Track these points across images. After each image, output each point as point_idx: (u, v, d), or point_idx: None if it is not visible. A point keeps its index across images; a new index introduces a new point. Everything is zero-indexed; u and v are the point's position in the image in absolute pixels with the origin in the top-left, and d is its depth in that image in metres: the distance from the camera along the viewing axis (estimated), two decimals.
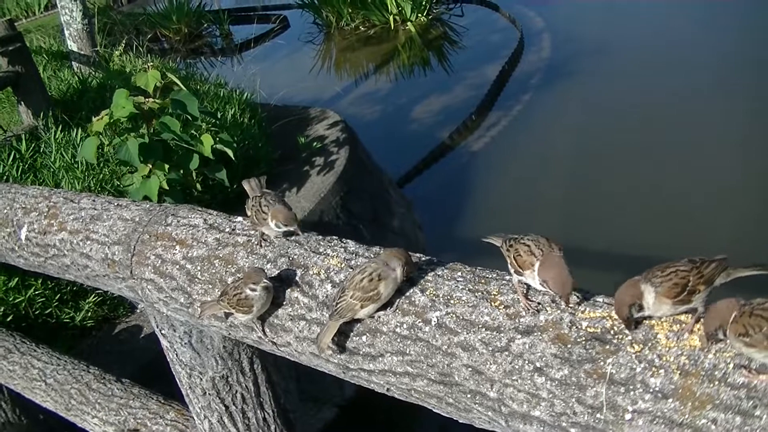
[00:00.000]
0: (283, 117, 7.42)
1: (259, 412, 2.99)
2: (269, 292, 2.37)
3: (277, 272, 2.47)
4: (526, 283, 2.13)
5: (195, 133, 5.62)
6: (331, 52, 11.85)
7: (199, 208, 2.90)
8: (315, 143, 6.89)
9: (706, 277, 1.90)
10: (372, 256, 2.43)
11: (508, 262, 2.14)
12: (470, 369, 2.05)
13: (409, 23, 11.85)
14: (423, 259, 2.40)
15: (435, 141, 8.83)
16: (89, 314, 5.73)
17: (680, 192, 6.84)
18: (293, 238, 2.59)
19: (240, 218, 2.79)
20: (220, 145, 5.67)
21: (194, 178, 5.77)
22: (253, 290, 2.34)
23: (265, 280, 2.34)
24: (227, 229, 2.72)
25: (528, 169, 7.96)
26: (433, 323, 2.15)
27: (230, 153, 5.63)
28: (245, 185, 2.77)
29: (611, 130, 8.15)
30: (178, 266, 2.71)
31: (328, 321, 2.21)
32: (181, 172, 5.62)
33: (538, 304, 2.08)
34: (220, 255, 2.63)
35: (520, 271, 2.09)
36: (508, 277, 2.21)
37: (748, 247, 5.81)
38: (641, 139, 7.81)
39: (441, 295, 2.19)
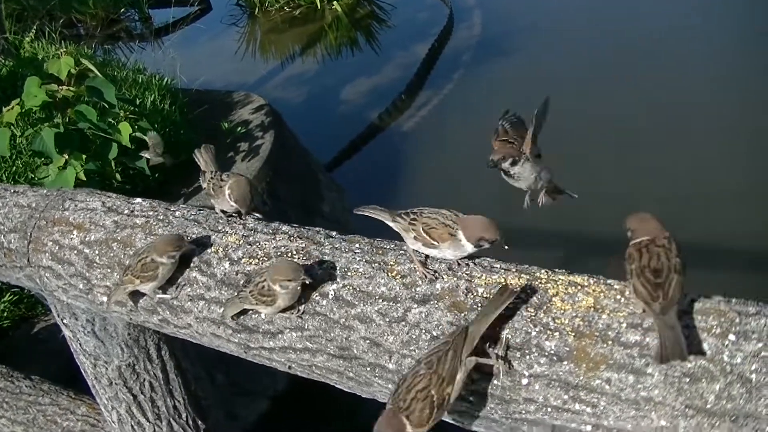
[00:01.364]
0: (205, 102, 7.32)
1: (168, 399, 2.97)
2: (176, 262, 2.37)
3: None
4: (422, 253, 2.16)
5: (113, 121, 5.53)
6: (256, 35, 11.74)
7: (98, 191, 2.86)
8: (239, 128, 6.83)
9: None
10: (271, 232, 2.43)
11: (412, 235, 2.14)
12: (368, 341, 2.07)
13: (335, 2, 11.79)
14: (321, 232, 2.41)
15: (364, 123, 8.83)
16: (5, 314, 5.60)
17: (618, 175, 6.95)
18: (192, 217, 2.57)
19: (139, 200, 2.76)
20: (139, 133, 5.59)
21: (113, 168, 5.67)
22: (171, 257, 2.33)
23: (175, 251, 2.34)
24: (126, 211, 2.68)
25: (461, 148, 7.98)
26: (330, 296, 2.16)
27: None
28: (197, 156, 2.73)
29: (558, 114, 8.25)
30: (76, 251, 2.67)
31: (235, 299, 2.21)
32: (100, 162, 5.52)
33: (435, 272, 2.11)
34: (118, 238, 2.60)
35: (435, 243, 2.09)
36: (405, 247, 2.24)
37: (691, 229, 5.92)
38: (574, 118, 7.90)
39: (338, 268, 2.20)
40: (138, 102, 6.42)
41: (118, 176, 5.75)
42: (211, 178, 2.58)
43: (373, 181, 7.90)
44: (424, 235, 2.11)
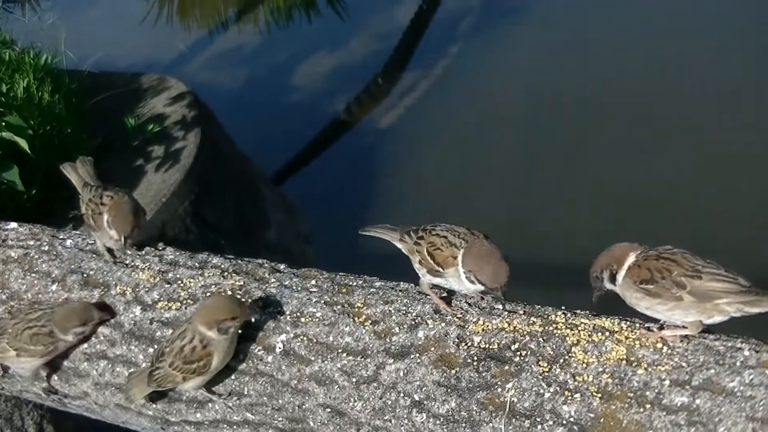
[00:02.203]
0: (103, 89, 7.35)
1: None
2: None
3: (65, 295, 2.56)
4: (440, 286, 2.29)
5: None
6: None
7: None
8: (151, 126, 6.86)
9: None
10: (197, 266, 2.55)
11: (417, 259, 2.29)
12: (329, 410, 2.18)
13: None
14: (265, 265, 2.52)
15: (326, 117, 8.84)
16: None
17: (649, 181, 7.10)
18: (89, 247, 2.68)
19: (13, 224, 2.86)
20: (7, 133, 5.62)
21: None
22: (79, 334, 2.42)
23: (83, 327, 2.43)
24: None
25: (457, 152, 8.04)
26: (277, 350, 2.27)
27: (23, 144, 5.56)
28: (69, 173, 2.82)
29: (571, 86, 8.34)
30: None
31: (144, 377, 2.30)
32: None
33: (465, 311, 2.22)
34: None
35: (439, 270, 2.23)
36: (378, 284, 2.36)
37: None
38: (611, 96, 8.02)
39: (289, 312, 2.31)
40: (5, 89, 6.45)
41: None
42: (90, 199, 2.67)
43: (337, 197, 7.93)
44: (428, 258, 2.24)
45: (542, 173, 7.50)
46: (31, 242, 2.75)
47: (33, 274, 2.64)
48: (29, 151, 5.71)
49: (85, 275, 2.59)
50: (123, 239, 2.55)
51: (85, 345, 2.49)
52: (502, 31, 9.45)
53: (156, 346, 2.39)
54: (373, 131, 8.74)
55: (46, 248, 2.70)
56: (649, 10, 9.36)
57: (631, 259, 2.10)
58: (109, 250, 2.63)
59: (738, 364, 1.94)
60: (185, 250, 2.68)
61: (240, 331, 2.27)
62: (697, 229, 6.12)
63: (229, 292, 2.41)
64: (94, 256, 2.64)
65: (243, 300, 2.27)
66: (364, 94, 9.31)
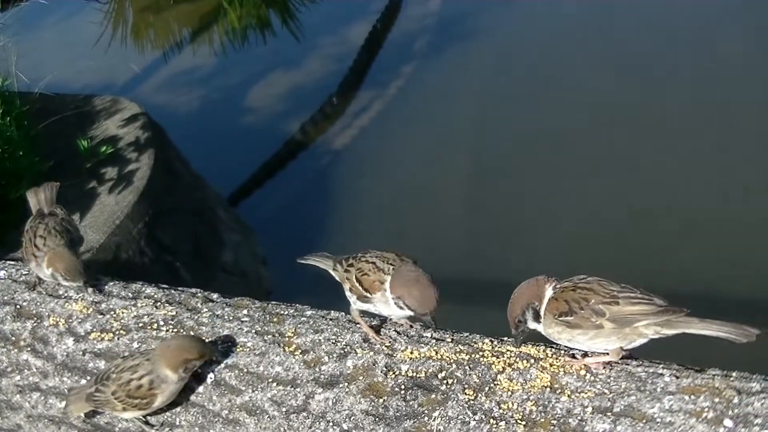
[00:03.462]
0: (55, 111, 7.34)
1: None
2: None
3: None
4: (370, 312, 2.31)
5: None
6: (126, 15, 11.73)
7: None
8: (104, 148, 6.86)
9: None
10: (130, 296, 2.56)
11: (348, 286, 2.32)
12: None
13: None
14: (198, 294, 2.54)
15: (281, 138, 8.85)
16: None
17: (614, 196, 7.16)
18: (23, 278, 2.68)
19: None
20: None
21: None
22: None
23: None
24: None
25: (415, 172, 8.08)
26: (209, 381, 2.29)
27: None
28: (30, 198, 2.85)
29: (527, 109, 8.41)
30: None
31: (83, 396, 2.31)
32: None
33: (393, 339, 2.25)
34: None
35: (367, 296, 2.26)
36: (308, 313, 2.38)
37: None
38: (565, 121, 8.09)
39: (219, 342, 2.33)
40: None
41: None
42: (27, 230, 2.69)
43: (293, 218, 7.94)
44: (357, 284, 2.27)
45: (495, 195, 7.55)
46: (22, 269, 2.75)
47: None
48: None
49: (18, 306, 2.60)
50: (82, 284, 2.56)
51: (18, 377, 2.49)
52: (457, 52, 9.52)
53: (89, 377, 2.39)
54: (327, 152, 8.77)
55: None
56: (605, 33, 9.47)
57: (549, 292, 2.13)
58: (40, 281, 2.64)
59: (659, 390, 1.98)
60: (140, 272, 2.71)
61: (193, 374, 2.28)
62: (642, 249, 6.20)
63: (162, 323, 2.42)
64: (28, 286, 2.64)
65: (206, 340, 2.28)
66: (319, 115, 9.34)
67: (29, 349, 2.50)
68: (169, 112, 8.77)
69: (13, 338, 2.53)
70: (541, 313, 2.12)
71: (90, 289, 2.62)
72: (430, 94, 9.00)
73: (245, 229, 7.88)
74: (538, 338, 2.18)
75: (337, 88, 9.60)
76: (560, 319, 2.08)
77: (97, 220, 6.38)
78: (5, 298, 2.61)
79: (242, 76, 9.94)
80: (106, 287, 2.60)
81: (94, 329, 2.46)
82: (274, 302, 2.47)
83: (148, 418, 2.32)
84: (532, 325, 2.15)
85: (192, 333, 2.39)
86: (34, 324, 2.53)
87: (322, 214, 7.86)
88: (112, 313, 2.48)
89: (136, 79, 9.97)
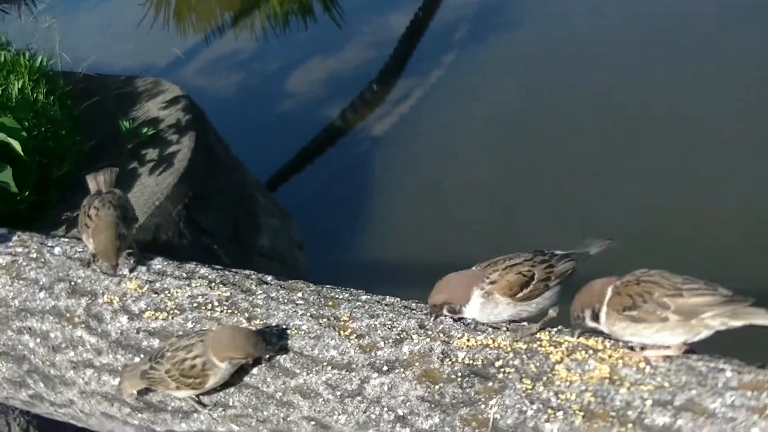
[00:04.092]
0: (97, 92, 7.36)
1: None
2: None
3: (53, 303, 2.56)
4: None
5: None
6: None
7: None
8: (145, 129, 6.87)
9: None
10: (184, 276, 2.56)
11: None
12: (313, 423, 2.19)
13: None
14: (252, 276, 2.54)
15: (321, 123, 8.85)
16: None
17: (659, 191, 7.11)
18: (77, 255, 2.69)
19: (2, 230, 2.87)
20: (1, 134, 5.64)
21: None
22: None
23: None
24: None
25: (453, 161, 8.06)
26: (263, 363, 2.28)
27: (17, 145, 5.57)
28: (90, 181, 2.86)
29: (569, 101, 8.36)
30: None
31: (137, 373, 2.31)
32: None
33: (450, 326, 2.24)
34: None
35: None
36: (364, 297, 2.37)
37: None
38: (611, 115, 8.03)
39: (275, 325, 2.33)
40: None
41: None
42: (83, 206, 2.70)
43: (331, 204, 7.94)
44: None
45: (536, 185, 7.50)
46: (19, 249, 2.76)
47: (20, 282, 2.65)
48: (22, 153, 5.70)
49: (72, 283, 2.60)
50: (112, 268, 2.56)
51: (72, 353, 2.50)
52: (498, 42, 9.47)
53: (142, 356, 2.40)
54: (366, 138, 8.74)
55: (35, 255, 2.72)
56: (652, 23, 9.37)
57: (609, 293, 2.11)
58: (94, 258, 2.64)
59: (720, 385, 1.95)
60: (178, 254, 2.70)
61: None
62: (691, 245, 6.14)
63: (216, 304, 2.41)
64: (83, 263, 2.64)
65: (261, 337, 2.27)
66: (359, 102, 9.31)
67: (83, 325, 2.51)
68: (209, 95, 8.77)
69: (68, 314, 2.54)
70: (601, 314, 2.10)
71: (156, 258, 2.63)
72: (470, 83, 8.95)
73: (283, 213, 7.87)
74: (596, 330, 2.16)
75: (378, 75, 9.56)
76: (624, 313, 2.06)
77: (138, 201, 6.40)
78: (60, 274, 2.61)
79: (283, 61, 9.93)
80: (160, 266, 2.59)
81: (149, 308, 2.46)
82: (328, 286, 2.46)
83: (201, 397, 2.32)
84: (590, 324, 2.13)
85: (246, 314, 2.38)
86: (89, 301, 2.54)
87: (360, 200, 7.84)
88: (167, 292, 2.49)
89: (177, 62, 9.98)
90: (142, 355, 2.40)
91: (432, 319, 2.23)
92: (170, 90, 7.52)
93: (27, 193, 5.99)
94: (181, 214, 6.43)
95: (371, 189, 7.91)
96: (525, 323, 2.25)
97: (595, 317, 2.11)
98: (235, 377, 2.29)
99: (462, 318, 2.24)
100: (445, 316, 2.23)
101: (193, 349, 2.24)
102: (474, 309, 2.21)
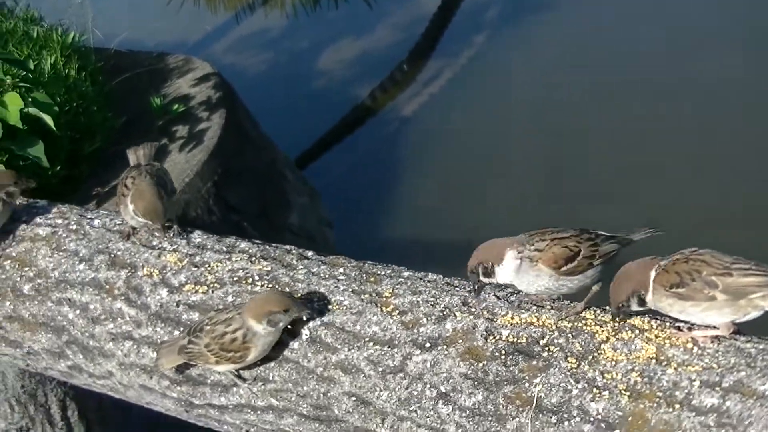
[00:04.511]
0: (128, 68, 7.37)
1: None
2: None
3: (92, 275, 2.56)
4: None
5: None
6: None
7: None
8: (176, 106, 6.87)
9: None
10: (225, 250, 2.54)
11: None
12: (354, 398, 2.17)
13: None
14: (293, 251, 2.52)
15: (350, 103, 8.85)
16: None
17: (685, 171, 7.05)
18: (117, 227, 2.68)
19: (43, 202, 2.86)
20: (33, 108, 5.61)
21: None
22: None
23: None
24: (23, 218, 2.79)
25: (483, 142, 8.03)
26: (304, 338, 2.27)
27: (49, 120, 5.56)
28: (130, 155, 2.86)
29: (601, 84, 8.31)
30: None
31: (175, 348, 2.30)
32: None
33: (494, 303, 2.21)
34: (13, 254, 2.70)
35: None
36: (406, 274, 2.35)
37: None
38: (643, 98, 7.97)
39: (316, 300, 2.31)
40: (32, 65, 6.46)
41: (2, 168, 5.80)
42: (122, 177, 2.70)
43: (359, 183, 7.92)
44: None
45: (569, 166, 7.46)
46: (59, 221, 2.75)
47: (60, 253, 2.65)
48: (54, 128, 5.71)
49: (112, 255, 2.60)
50: (161, 226, 2.57)
51: (111, 325, 2.49)
52: (529, 24, 9.43)
53: (182, 329, 2.39)
54: (395, 119, 8.73)
55: (74, 227, 2.71)
56: (684, 11, 9.28)
57: (653, 274, 2.08)
58: (134, 230, 2.63)
59: None
60: (207, 231, 2.68)
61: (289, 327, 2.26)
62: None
63: (257, 278, 2.40)
64: (122, 235, 2.64)
65: (296, 296, 2.26)
66: (389, 82, 9.30)
67: (123, 298, 2.50)
68: (239, 73, 8.78)
69: (107, 286, 2.53)
70: (647, 298, 2.07)
71: (174, 234, 2.62)
72: (500, 65, 8.93)
73: (312, 191, 7.87)
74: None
75: (408, 55, 9.55)
76: (671, 290, 2.03)
77: None
78: (100, 246, 2.61)
79: (313, 40, 9.92)
80: (200, 240, 2.58)
81: (188, 281, 2.45)
82: (370, 262, 2.44)
83: (241, 372, 2.31)
84: (635, 308, 2.10)
85: (288, 289, 2.37)
86: (128, 273, 2.53)
87: (389, 180, 7.83)
88: (207, 266, 2.47)
89: (207, 39, 10.00)
90: (181, 329, 2.39)
91: (473, 289, 2.19)
92: (201, 67, 7.53)
93: (58, 167, 6.00)
94: (211, 191, 6.43)
95: (400, 169, 7.90)
96: (568, 301, 2.23)
97: (642, 302, 2.08)
98: (276, 351, 2.27)
99: (495, 282, 2.19)
100: (482, 282, 2.19)
101: (232, 322, 2.23)
102: (508, 271, 2.17)
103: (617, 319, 2.12)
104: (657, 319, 2.10)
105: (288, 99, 8.93)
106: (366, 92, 9.12)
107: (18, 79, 5.92)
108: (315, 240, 7.43)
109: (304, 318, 2.27)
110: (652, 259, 2.12)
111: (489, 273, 2.18)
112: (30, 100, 5.74)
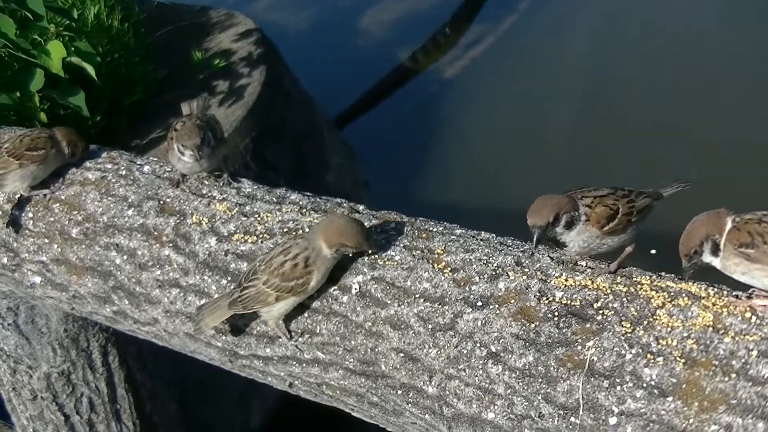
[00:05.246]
0: (170, 21, 7.37)
1: (114, 424, 3.06)
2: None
3: (141, 221, 2.55)
4: None
5: (38, 38, 5.58)
6: None
7: (29, 130, 2.93)
8: (217, 61, 6.87)
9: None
10: (275, 201, 2.53)
11: None
12: (402, 354, 2.16)
13: None
14: (344, 204, 2.50)
15: (391, 63, 8.81)
16: None
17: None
18: (166, 174, 2.67)
19: (94, 146, 2.86)
20: (75, 58, 5.61)
21: (36, 104, 5.73)
22: None
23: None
24: (74, 163, 2.78)
25: (523, 106, 7.99)
26: (353, 291, 2.26)
27: (90, 70, 5.56)
28: (183, 107, 2.88)
29: (647, 49, 8.22)
30: None
31: (222, 304, 2.29)
32: (17, 94, 5.58)
33: (548, 264, 2.19)
34: (62, 197, 2.70)
35: None
36: (458, 231, 2.33)
37: None
38: (692, 69, 7.88)
39: (366, 253, 2.29)
40: (75, 14, 6.45)
41: (43, 116, 5.79)
42: (171, 124, 2.70)
43: (396, 144, 7.91)
44: None
45: (603, 138, 7.41)
46: (109, 166, 2.75)
47: (109, 198, 2.64)
48: (95, 78, 5.71)
49: (161, 202, 2.58)
50: (195, 153, 2.54)
51: (158, 272, 2.49)
52: None
53: (230, 279, 2.38)
54: (436, 81, 8.71)
55: (124, 173, 2.71)
56: None
57: (729, 224, 2.04)
58: (184, 178, 2.62)
59: None
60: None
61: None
62: None
63: (308, 228, 2.38)
64: (172, 183, 2.63)
65: (370, 231, 2.28)
66: (431, 44, 9.26)
67: (171, 245, 2.49)
68: (281, 30, 8.75)
69: (156, 233, 2.52)
70: (721, 245, 2.03)
71: (224, 182, 2.61)
72: (543, 31, 8.88)
73: (349, 151, 7.85)
74: (699, 277, 2.10)
75: (451, 18, 9.51)
76: (739, 249, 1.98)
77: None
78: (149, 193, 2.60)
79: None
80: (250, 190, 2.57)
81: (238, 231, 2.44)
82: (422, 218, 2.42)
83: (290, 325, 2.29)
84: (707, 258, 2.05)
85: None
86: (177, 221, 2.52)
87: (426, 143, 7.82)
88: (256, 216, 2.46)
89: None
90: (229, 278, 2.38)
91: (689, 265, 2.12)
92: (243, 23, 7.51)
93: (98, 118, 5.99)
94: (248, 147, 6.43)
95: (438, 132, 7.88)
96: (599, 262, 2.20)
97: (716, 249, 2.04)
98: (324, 304, 2.26)
99: (560, 242, 2.15)
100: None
101: (290, 250, 2.22)
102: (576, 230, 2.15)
103: (688, 270, 2.07)
104: (714, 286, 2.06)
105: (329, 58, 8.92)
106: (407, 54, 9.08)
107: (62, 28, 5.91)
108: (350, 200, 7.36)
109: (369, 252, 2.27)
110: (725, 210, 2.08)
111: (568, 225, 2.12)
112: (72, 49, 5.74)
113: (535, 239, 2.12)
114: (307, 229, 2.38)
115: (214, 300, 2.32)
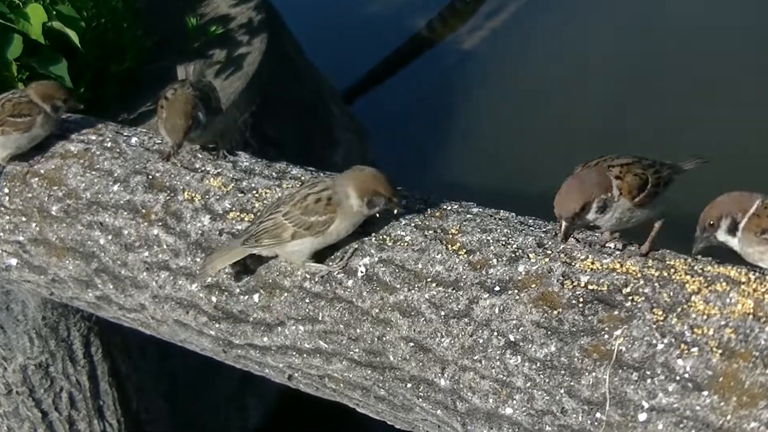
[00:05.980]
0: None
1: (97, 421, 3.07)
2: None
3: (127, 197, 2.55)
4: None
5: (17, 1, 5.59)
6: None
7: (11, 96, 2.93)
8: (213, 27, 6.85)
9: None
10: (274, 176, 2.53)
11: None
12: (412, 344, 2.16)
13: None
14: None
15: (405, 32, 8.77)
16: None
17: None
18: (156, 147, 2.67)
19: (77, 117, 2.86)
20: (57, 22, 5.61)
21: (14, 73, 5.74)
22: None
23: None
24: (56, 132, 2.79)
25: (548, 80, 7.98)
26: (359, 275, 2.26)
27: (74, 36, 5.56)
28: (179, 72, 2.92)
29: (673, 24, 8.22)
30: None
31: (235, 244, 2.30)
32: None
33: (573, 246, 2.18)
34: (42, 171, 2.70)
35: None
36: (475, 210, 2.32)
37: None
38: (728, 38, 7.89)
39: (374, 233, 2.29)
40: None
41: (21, 87, 5.82)
42: (163, 91, 2.71)
43: (410, 120, 7.89)
44: None
45: (630, 116, 7.41)
46: (93, 137, 2.76)
47: (93, 172, 2.65)
48: (79, 45, 5.71)
49: (150, 177, 2.59)
50: (174, 146, 2.53)
51: (146, 253, 2.49)
52: None
53: None
54: (454, 52, 8.67)
55: (109, 145, 2.71)
56: None
57: (755, 208, 2.03)
58: (175, 150, 2.62)
59: None
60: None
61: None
62: None
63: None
64: (161, 156, 2.63)
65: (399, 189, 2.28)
66: (448, 12, 9.22)
67: (160, 223, 2.50)
68: None
69: (144, 211, 2.53)
70: (740, 226, 2.03)
71: (220, 156, 2.62)
72: (565, 2, 8.88)
73: (359, 128, 7.83)
74: (738, 261, 2.09)
75: None
76: (762, 236, 1.98)
77: None
78: (137, 166, 2.60)
79: None
80: (247, 164, 2.57)
81: (233, 208, 2.44)
82: (434, 195, 2.41)
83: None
84: (722, 236, 2.05)
85: None
86: (167, 197, 2.52)
87: (442, 120, 7.79)
88: (254, 192, 2.46)
89: None
90: None
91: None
92: None
93: (82, 89, 6.00)
94: (248, 122, 6.42)
95: (456, 108, 7.86)
96: (629, 244, 2.19)
97: (733, 229, 2.03)
98: (328, 289, 2.26)
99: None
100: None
101: (317, 185, 2.25)
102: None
103: (697, 240, 2.07)
104: (755, 271, 2.05)
105: (337, 26, 8.88)
106: (423, 22, 9.06)
107: None
108: None
109: (395, 212, 2.29)
110: (755, 193, 2.08)
111: (601, 208, 2.11)
112: (54, 13, 5.73)
113: (562, 231, 2.11)
114: None
115: (224, 244, 2.34)
